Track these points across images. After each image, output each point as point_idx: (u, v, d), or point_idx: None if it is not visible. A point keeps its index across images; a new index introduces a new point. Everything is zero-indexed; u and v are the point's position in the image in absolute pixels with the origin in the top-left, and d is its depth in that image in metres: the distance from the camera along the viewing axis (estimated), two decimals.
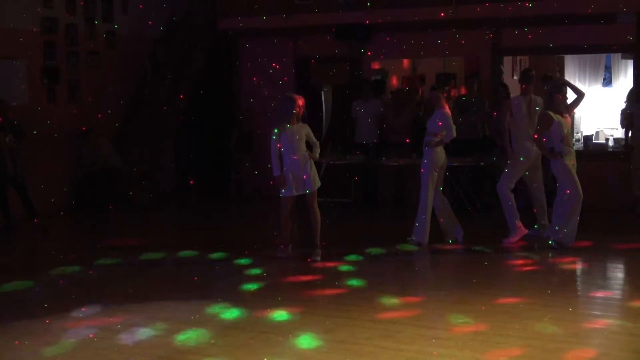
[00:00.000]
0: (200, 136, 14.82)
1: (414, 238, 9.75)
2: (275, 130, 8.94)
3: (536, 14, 12.16)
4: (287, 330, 6.40)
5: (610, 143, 12.84)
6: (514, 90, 12.38)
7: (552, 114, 8.97)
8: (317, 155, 9.08)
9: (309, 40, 13.96)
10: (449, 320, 6.66)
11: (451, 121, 9.58)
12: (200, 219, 12.63)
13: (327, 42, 13.59)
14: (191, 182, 13.77)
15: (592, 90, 14.25)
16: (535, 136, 9.24)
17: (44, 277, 8.39)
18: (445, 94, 10.25)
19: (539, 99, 9.86)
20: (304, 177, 8.93)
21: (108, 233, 11.32)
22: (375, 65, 14.00)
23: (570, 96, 9.57)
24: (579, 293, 7.82)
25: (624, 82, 13.92)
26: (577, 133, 13.69)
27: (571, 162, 9.08)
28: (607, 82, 14.40)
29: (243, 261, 9.06)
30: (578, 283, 8.27)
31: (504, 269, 8.75)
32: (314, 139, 9.05)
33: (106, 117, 13.34)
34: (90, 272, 8.65)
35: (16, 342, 6.21)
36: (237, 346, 6.04)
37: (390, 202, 12.73)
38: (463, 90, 12.95)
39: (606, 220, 11.05)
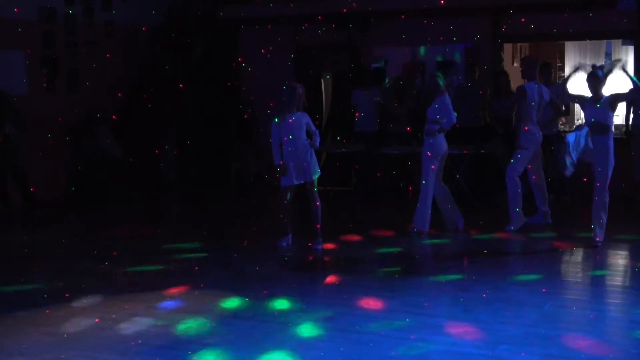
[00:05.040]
0: (201, 125, 14.79)
1: (414, 226, 9.75)
2: (276, 119, 8.93)
3: (537, 0, 12.11)
4: (288, 319, 6.40)
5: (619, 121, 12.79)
6: (514, 77, 12.35)
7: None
8: (317, 144, 9.06)
9: (309, 29, 13.92)
10: (449, 308, 6.66)
11: (451, 108, 9.57)
12: (201, 208, 12.62)
13: (328, 30, 13.55)
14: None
15: None
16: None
17: (43, 268, 8.39)
18: (448, 82, 10.23)
19: (544, 87, 9.95)
20: (304, 165, 8.92)
21: (109, 224, 11.30)
22: (375, 53, 13.96)
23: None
24: (579, 280, 7.82)
25: None
26: (578, 120, 13.66)
27: None
28: None
29: (243, 250, 9.08)
30: (578, 270, 8.28)
31: (505, 256, 8.74)
32: (314, 128, 9.04)
33: (106, 108, 13.31)
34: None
35: (17, 332, 6.23)
36: (238, 335, 6.04)
37: (391, 190, 12.71)
38: (464, 78, 12.93)
39: None
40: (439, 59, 13.61)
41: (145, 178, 13.50)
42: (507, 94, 11.83)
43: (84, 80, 13.32)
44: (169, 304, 6.97)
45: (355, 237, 9.61)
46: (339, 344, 5.78)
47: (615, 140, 12.17)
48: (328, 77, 14.33)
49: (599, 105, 8.64)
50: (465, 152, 11.47)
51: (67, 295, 7.25)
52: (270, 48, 13.84)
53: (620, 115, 12.84)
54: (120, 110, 13.83)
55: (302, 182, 9.01)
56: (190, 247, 9.31)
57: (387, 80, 13.42)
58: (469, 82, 12.42)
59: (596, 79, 8.65)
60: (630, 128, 11.72)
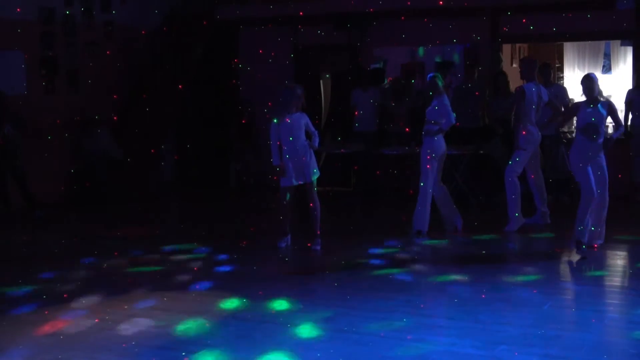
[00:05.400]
0: (201, 126, 14.78)
1: (414, 227, 9.75)
2: (275, 120, 8.93)
3: (535, 1, 12.12)
4: (288, 319, 6.40)
5: (610, 130, 12.81)
6: (513, 78, 12.36)
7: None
8: (317, 145, 9.06)
9: (308, 29, 13.92)
10: (448, 309, 6.66)
11: (450, 109, 9.57)
12: (200, 208, 12.62)
13: (327, 31, 13.55)
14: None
15: None
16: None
17: (42, 268, 8.39)
18: (447, 82, 10.25)
19: (542, 87, 9.96)
20: (304, 166, 8.92)
21: (108, 224, 11.30)
22: (374, 54, 13.97)
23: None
24: (578, 280, 7.82)
25: (623, 69, 13.88)
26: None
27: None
28: (607, 69, 14.36)
29: (242, 251, 9.09)
30: (577, 270, 8.27)
31: (504, 257, 8.75)
32: (313, 129, 9.04)
33: (105, 108, 13.31)
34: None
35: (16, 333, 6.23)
36: (237, 336, 6.05)
37: (390, 191, 12.72)
38: (463, 79, 12.93)
39: None
40: (438, 59, 13.61)
41: (144, 178, 13.50)
42: (506, 94, 11.84)
43: (84, 81, 13.31)
44: (168, 304, 6.97)
45: (355, 238, 9.61)
46: (338, 345, 5.79)
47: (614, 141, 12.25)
48: (327, 76, 14.31)
49: (591, 108, 8.50)
50: (464, 152, 11.47)
51: (65, 295, 7.25)
52: (270, 49, 13.84)
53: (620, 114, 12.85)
54: (120, 111, 13.82)
55: (302, 182, 9.02)
56: (189, 248, 9.31)
57: (386, 81, 13.42)
58: (468, 82, 12.43)
59: (590, 81, 8.55)
60: (629, 129, 11.73)
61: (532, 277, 7.68)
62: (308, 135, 9.01)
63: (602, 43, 14.16)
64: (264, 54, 13.83)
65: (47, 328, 6.35)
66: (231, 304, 6.94)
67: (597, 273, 7.95)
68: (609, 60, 14.28)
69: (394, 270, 8.05)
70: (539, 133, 9.87)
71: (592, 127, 8.47)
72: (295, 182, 8.98)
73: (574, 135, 13.17)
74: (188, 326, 6.33)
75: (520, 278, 7.69)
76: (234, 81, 14.46)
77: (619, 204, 10.91)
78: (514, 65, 13.67)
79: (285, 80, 11.71)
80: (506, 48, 13.55)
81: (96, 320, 6.51)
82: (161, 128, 14.09)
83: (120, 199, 12.71)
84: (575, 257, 8.38)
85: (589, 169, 8.39)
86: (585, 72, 13.80)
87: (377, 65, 13.78)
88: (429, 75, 10.06)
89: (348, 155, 12.92)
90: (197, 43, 14.41)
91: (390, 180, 12.91)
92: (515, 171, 9.76)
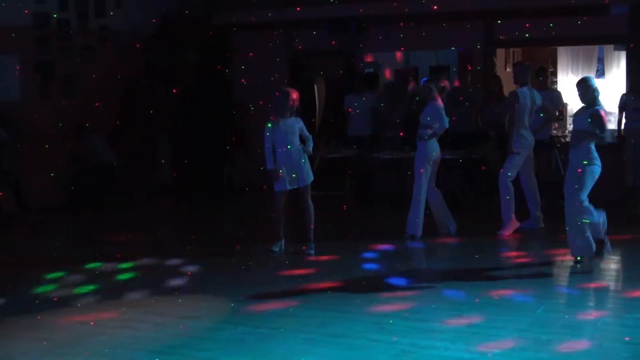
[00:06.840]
0: (195, 131, 14.78)
1: (407, 231, 9.77)
2: (269, 125, 8.95)
3: (529, 5, 12.17)
4: (281, 324, 6.40)
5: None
6: (507, 82, 12.40)
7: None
8: (311, 149, 9.08)
9: (303, 34, 13.94)
10: (442, 313, 6.67)
11: (443, 113, 9.60)
12: (194, 213, 12.63)
13: (321, 36, 13.57)
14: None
15: None
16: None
17: (36, 274, 8.38)
18: (440, 87, 10.28)
19: (536, 92, 9.98)
20: (298, 171, 8.93)
21: (103, 229, 11.29)
22: (369, 59, 13.99)
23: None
24: (571, 284, 7.83)
25: (616, 73, 13.94)
26: (570, 125, 13.71)
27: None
28: (600, 73, 14.41)
29: (235, 255, 9.09)
30: (571, 274, 8.28)
31: (497, 261, 8.77)
32: (307, 133, 9.06)
33: (100, 113, 13.29)
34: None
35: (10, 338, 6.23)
36: (231, 340, 6.05)
37: (384, 195, 12.73)
38: (456, 83, 12.96)
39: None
40: (432, 64, 13.62)
41: (139, 183, 13.48)
42: (500, 98, 11.87)
43: (79, 86, 13.30)
44: (162, 309, 6.97)
45: (348, 242, 9.62)
46: (331, 349, 5.79)
47: (608, 145, 12.28)
48: (322, 73, 14.28)
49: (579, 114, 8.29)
50: (458, 156, 11.49)
51: (55, 299, 7.24)
52: (264, 53, 13.85)
53: (612, 120, 12.89)
54: (114, 116, 13.80)
55: (296, 187, 9.03)
56: (183, 252, 9.30)
57: (380, 85, 13.44)
58: (462, 87, 12.46)
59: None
60: (622, 133, 11.76)
61: (526, 281, 7.69)
62: (302, 140, 9.02)
63: (596, 48, 14.22)
64: (258, 59, 13.83)
65: (40, 333, 6.34)
66: (225, 308, 6.94)
67: (591, 277, 7.95)
68: (603, 64, 14.33)
69: (388, 275, 8.05)
70: (532, 137, 9.90)
71: (572, 134, 8.35)
72: (289, 187, 9.00)
73: (567, 139, 13.26)
74: (182, 330, 6.33)
75: (513, 282, 7.70)
76: (225, 88, 14.44)
77: (612, 208, 10.94)
78: (508, 69, 13.71)
79: (280, 85, 11.70)
80: (500, 52, 13.60)
81: (91, 324, 6.50)
82: (156, 132, 14.08)
83: (115, 204, 12.69)
84: (569, 261, 8.39)
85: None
86: (579, 76, 13.90)
87: (371, 70, 13.79)
88: (422, 80, 10.10)
89: (342, 160, 12.94)
90: (192, 48, 14.41)
91: (384, 185, 12.92)
92: (508, 175, 9.79)
